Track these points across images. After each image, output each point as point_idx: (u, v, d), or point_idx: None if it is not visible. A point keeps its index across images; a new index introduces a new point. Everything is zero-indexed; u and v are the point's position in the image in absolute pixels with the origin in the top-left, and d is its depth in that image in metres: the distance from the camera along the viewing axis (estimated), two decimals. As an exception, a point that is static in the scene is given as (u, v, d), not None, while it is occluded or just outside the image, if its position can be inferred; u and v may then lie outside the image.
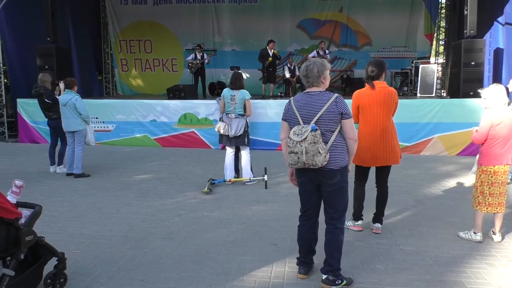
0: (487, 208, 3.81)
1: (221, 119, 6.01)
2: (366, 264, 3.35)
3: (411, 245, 3.77)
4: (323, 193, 2.97)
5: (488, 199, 3.79)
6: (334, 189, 2.91)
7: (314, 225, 3.12)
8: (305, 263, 3.17)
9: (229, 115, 5.88)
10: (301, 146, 2.76)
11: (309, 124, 2.82)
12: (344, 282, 2.96)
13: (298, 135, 2.80)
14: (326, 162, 2.79)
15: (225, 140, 6.03)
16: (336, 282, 2.94)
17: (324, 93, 2.91)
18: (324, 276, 2.98)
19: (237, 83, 5.90)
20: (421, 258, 3.50)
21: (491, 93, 3.75)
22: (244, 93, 5.89)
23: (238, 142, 5.95)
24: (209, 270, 3.25)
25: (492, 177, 3.76)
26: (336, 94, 2.89)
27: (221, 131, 5.89)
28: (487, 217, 3.96)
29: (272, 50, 11.03)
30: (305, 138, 2.75)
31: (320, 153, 2.75)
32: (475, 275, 3.18)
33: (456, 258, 3.49)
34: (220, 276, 3.15)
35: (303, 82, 3.00)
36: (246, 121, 6.01)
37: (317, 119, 2.82)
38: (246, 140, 5.95)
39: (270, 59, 10.96)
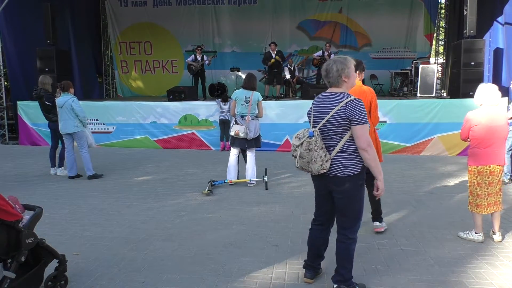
0: (477, 209, 3.81)
1: (224, 121, 5.97)
2: (367, 265, 3.35)
3: (412, 246, 3.77)
4: (334, 199, 2.81)
5: (477, 199, 3.79)
6: (344, 197, 2.74)
7: (326, 232, 3.00)
8: (312, 267, 3.05)
9: (246, 118, 5.83)
10: (298, 150, 2.71)
11: (317, 126, 2.72)
12: None
13: (299, 138, 2.72)
14: (325, 170, 2.66)
15: (239, 143, 5.89)
16: None
17: (340, 95, 2.70)
18: (335, 286, 2.85)
19: (251, 84, 5.88)
20: (422, 258, 3.49)
21: (477, 92, 3.81)
22: (258, 95, 5.89)
23: (255, 143, 5.93)
24: (209, 271, 3.24)
25: (477, 177, 3.77)
26: (352, 98, 2.66)
27: (241, 135, 5.75)
28: (487, 216, 3.95)
29: (275, 52, 11.02)
30: (302, 143, 2.68)
31: (315, 161, 2.63)
32: (476, 275, 3.18)
33: (457, 259, 3.49)
34: (221, 277, 3.14)
35: (324, 81, 2.83)
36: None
37: (324, 123, 2.69)
38: (260, 141, 5.98)
39: (272, 60, 10.98)
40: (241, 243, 3.82)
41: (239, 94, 5.91)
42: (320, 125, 2.72)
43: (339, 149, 2.68)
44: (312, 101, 2.91)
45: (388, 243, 3.83)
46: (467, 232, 3.92)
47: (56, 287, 2.85)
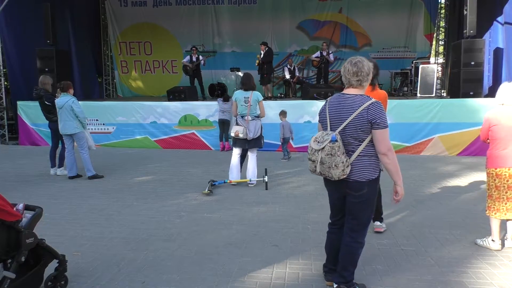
0: (495, 214, 3.65)
1: (224, 122, 5.96)
2: (367, 265, 3.34)
3: (412, 246, 3.77)
4: (347, 202, 2.76)
5: (495, 204, 3.64)
6: (360, 201, 2.68)
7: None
8: (334, 270, 2.97)
9: (245, 118, 5.82)
10: (318, 155, 2.59)
11: (335, 130, 2.61)
12: None
13: (318, 142, 2.61)
14: (345, 176, 2.58)
15: (240, 143, 5.87)
16: None
17: (360, 97, 2.61)
18: (335, 285, 2.85)
19: (250, 84, 5.84)
20: (422, 258, 3.49)
21: (499, 91, 3.64)
22: (258, 94, 5.84)
23: (255, 144, 5.86)
24: (210, 271, 3.24)
25: (495, 180, 3.62)
26: (372, 100, 2.57)
27: (240, 135, 5.73)
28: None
29: (263, 51, 10.94)
30: (323, 148, 2.56)
31: (336, 166, 2.54)
32: (476, 275, 3.18)
33: (457, 258, 3.49)
34: (221, 277, 3.15)
35: (349, 80, 2.67)
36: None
37: (344, 126, 2.59)
38: (262, 141, 5.92)
39: (257, 62, 11.03)
40: (241, 243, 3.82)
41: (238, 95, 5.89)
42: (340, 128, 2.61)
43: (359, 154, 2.61)
44: (325, 101, 2.82)
45: (388, 243, 3.83)
46: (484, 239, 3.75)
47: (56, 287, 2.85)
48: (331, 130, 2.65)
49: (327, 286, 3.01)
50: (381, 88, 4.09)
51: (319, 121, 2.86)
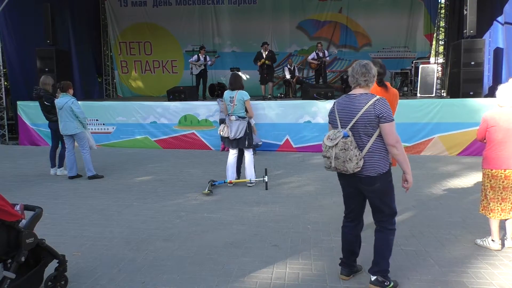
0: (489, 214, 3.66)
1: (223, 121, 6.04)
2: (368, 265, 3.32)
3: (412, 246, 3.77)
4: (367, 197, 2.94)
5: (490, 204, 3.65)
6: (377, 195, 2.87)
7: (357, 228, 3.09)
8: (347, 265, 3.12)
9: (229, 117, 5.87)
10: (332, 151, 2.77)
11: (346, 127, 2.80)
12: (392, 284, 2.93)
13: (331, 139, 2.79)
14: (359, 169, 2.74)
15: (227, 142, 6.03)
16: (385, 284, 2.90)
17: (366, 95, 2.81)
18: (373, 278, 2.93)
19: (235, 84, 5.87)
20: (422, 258, 3.50)
21: (497, 93, 3.62)
22: (243, 94, 5.81)
23: (239, 144, 5.93)
24: (210, 271, 3.24)
25: (491, 181, 3.62)
26: (378, 97, 2.76)
27: (221, 133, 5.93)
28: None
29: (266, 52, 10.95)
30: (336, 144, 2.74)
31: (350, 160, 2.71)
32: (476, 275, 3.18)
33: (457, 258, 3.49)
34: (221, 277, 3.15)
35: (357, 80, 2.84)
36: (249, 123, 5.99)
37: (354, 123, 2.76)
38: (246, 142, 5.91)
39: (263, 60, 11.00)
40: (241, 243, 3.82)
41: (225, 95, 5.99)
42: (350, 125, 2.79)
43: (369, 148, 2.77)
44: (334, 102, 3.02)
45: (388, 243, 3.82)
46: (484, 239, 3.75)
47: (56, 287, 2.85)
48: (342, 128, 2.83)
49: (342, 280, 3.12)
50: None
51: (329, 122, 3.05)
